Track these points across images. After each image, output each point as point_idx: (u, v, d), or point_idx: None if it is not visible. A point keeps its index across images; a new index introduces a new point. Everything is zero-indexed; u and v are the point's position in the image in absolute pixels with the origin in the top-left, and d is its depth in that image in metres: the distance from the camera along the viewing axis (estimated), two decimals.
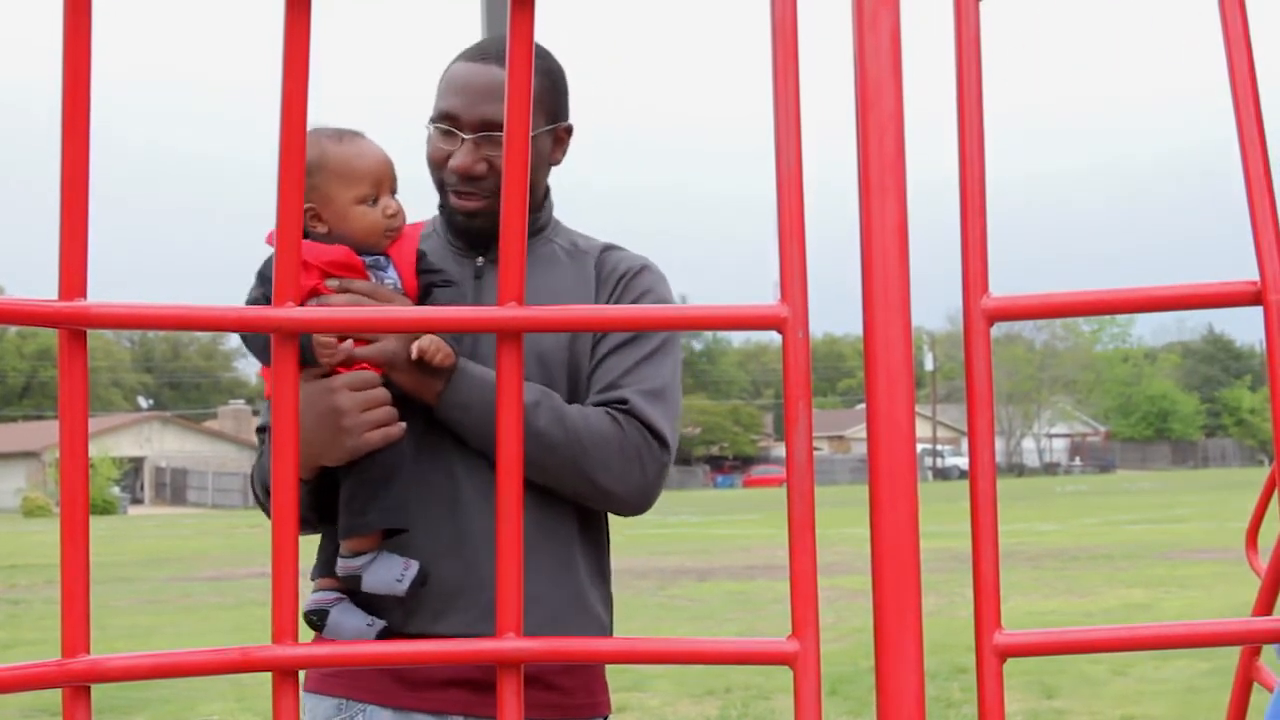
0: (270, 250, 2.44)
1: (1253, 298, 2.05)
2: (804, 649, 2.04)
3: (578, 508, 2.69)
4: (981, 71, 2.07)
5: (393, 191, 2.55)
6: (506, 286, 2.07)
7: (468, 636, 2.46)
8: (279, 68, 1.96)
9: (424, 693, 2.64)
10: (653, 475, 2.65)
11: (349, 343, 2.50)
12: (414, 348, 2.50)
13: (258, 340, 2.43)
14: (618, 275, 2.78)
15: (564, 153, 2.81)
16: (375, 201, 2.52)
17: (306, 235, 2.51)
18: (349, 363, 2.53)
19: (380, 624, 2.56)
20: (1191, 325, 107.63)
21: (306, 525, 2.63)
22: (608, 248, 2.85)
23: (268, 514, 2.69)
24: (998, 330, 2.31)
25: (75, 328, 2.00)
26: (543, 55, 2.69)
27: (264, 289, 2.46)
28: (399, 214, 2.54)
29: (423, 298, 2.59)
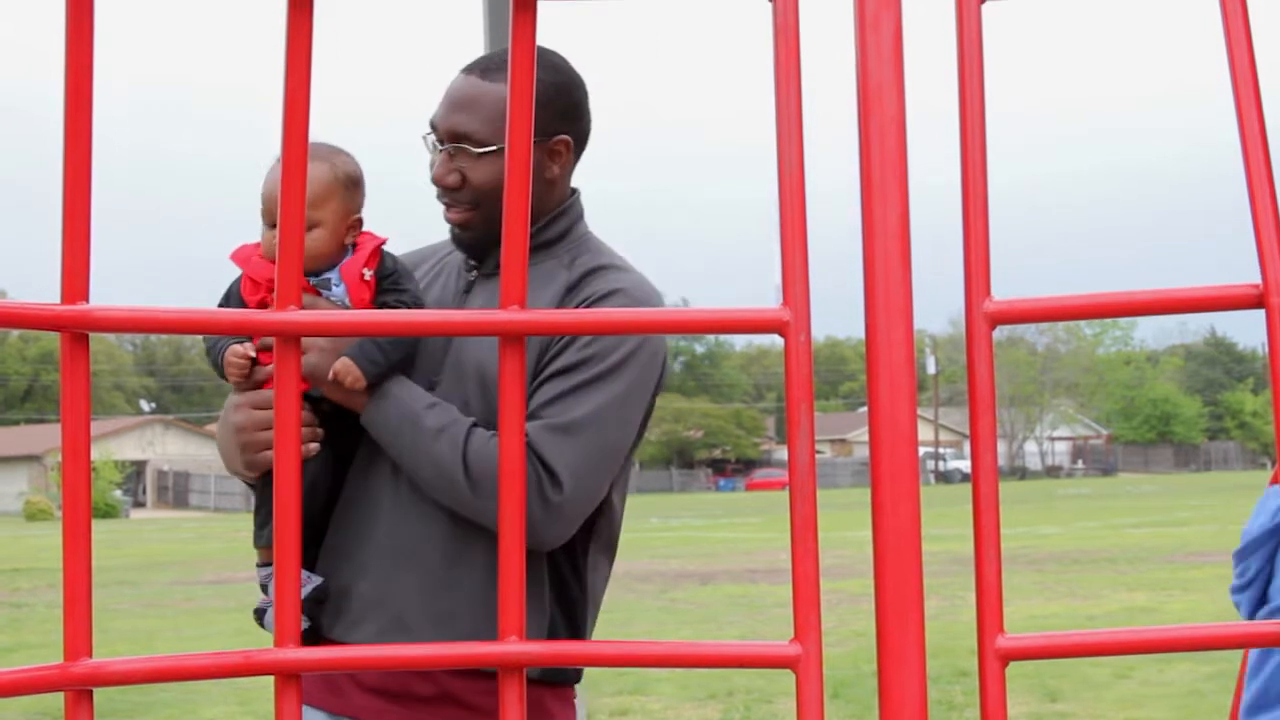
0: (237, 271, 2.47)
1: (1255, 301, 2.05)
2: (806, 652, 2.04)
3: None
4: (984, 74, 2.07)
5: (311, 224, 2.54)
6: (508, 291, 2.07)
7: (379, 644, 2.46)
8: (281, 71, 1.96)
9: (347, 699, 2.66)
10: (539, 514, 2.54)
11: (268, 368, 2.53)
12: (331, 370, 2.51)
13: (214, 362, 2.50)
14: (580, 297, 2.69)
15: (564, 167, 2.74)
16: (272, 226, 2.53)
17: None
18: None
19: (304, 624, 2.58)
20: (1194, 328, 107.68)
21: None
22: (599, 268, 2.74)
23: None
24: (1000, 333, 2.31)
25: (77, 331, 2.01)
26: (542, 66, 2.59)
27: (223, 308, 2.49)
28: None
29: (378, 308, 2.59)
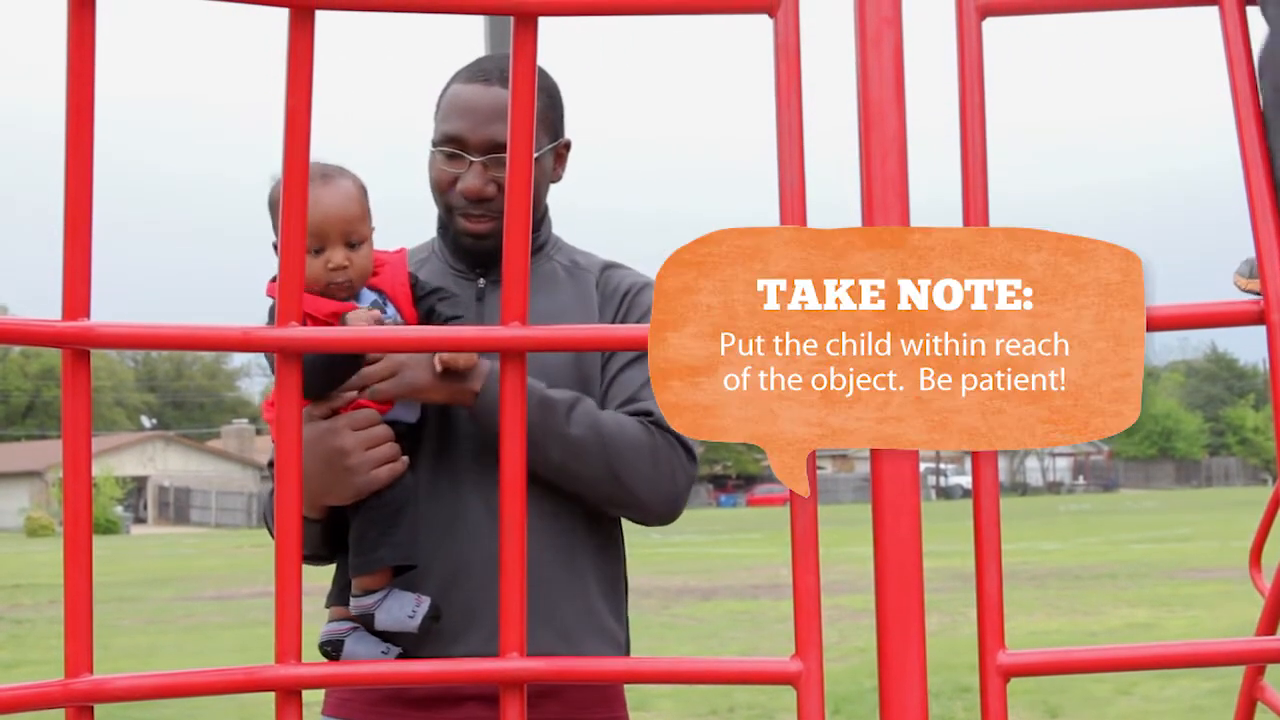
0: (270, 302, 2.44)
1: (1256, 317, 2.05)
2: (807, 668, 2.04)
3: (590, 525, 2.69)
4: (984, 92, 2.07)
5: (349, 243, 2.52)
6: (509, 306, 2.08)
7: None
8: (283, 89, 1.97)
9: (437, 712, 2.63)
10: (682, 485, 2.65)
11: (375, 385, 2.52)
12: (436, 361, 2.50)
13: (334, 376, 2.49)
14: (621, 292, 2.78)
15: (564, 168, 2.81)
16: (320, 252, 2.50)
17: None
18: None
19: (395, 650, 2.56)
20: (1195, 344, 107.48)
21: (319, 560, 2.66)
22: (609, 266, 2.84)
23: None
24: None
25: (79, 347, 2.01)
26: (540, 73, 2.68)
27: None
28: (346, 268, 2.51)
29: (426, 320, 2.59)
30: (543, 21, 1.97)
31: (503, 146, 2.60)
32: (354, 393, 2.52)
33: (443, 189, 2.70)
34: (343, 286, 2.52)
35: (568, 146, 2.79)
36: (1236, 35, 2.06)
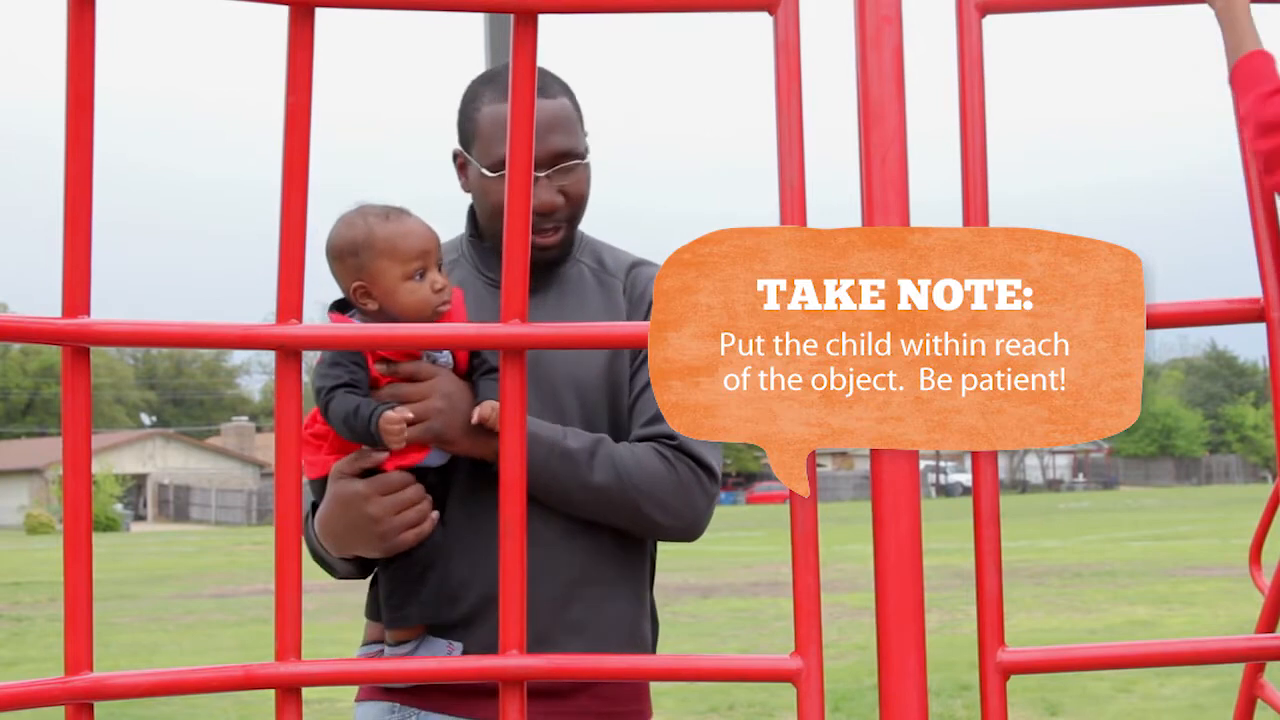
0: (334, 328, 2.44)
1: (1256, 315, 2.05)
2: (807, 666, 2.04)
3: (617, 536, 2.73)
4: (984, 90, 2.07)
5: (439, 266, 2.56)
6: (509, 305, 2.08)
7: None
8: (283, 87, 1.97)
9: (473, 701, 2.65)
10: (703, 508, 2.70)
11: (407, 430, 2.52)
12: (475, 415, 2.50)
13: (355, 429, 2.48)
14: (648, 300, 2.76)
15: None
16: (423, 276, 2.52)
17: (359, 311, 2.56)
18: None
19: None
20: (1194, 342, 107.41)
21: (355, 578, 2.74)
22: (636, 264, 2.84)
23: (327, 569, 2.75)
24: None
25: (78, 345, 2.01)
26: (561, 86, 2.71)
27: (345, 372, 2.49)
28: (446, 288, 2.55)
29: (471, 361, 2.59)
30: (542, 20, 1.97)
31: (565, 155, 2.65)
32: (384, 454, 2.54)
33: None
34: (446, 307, 2.55)
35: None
36: None
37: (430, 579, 2.56)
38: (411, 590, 2.56)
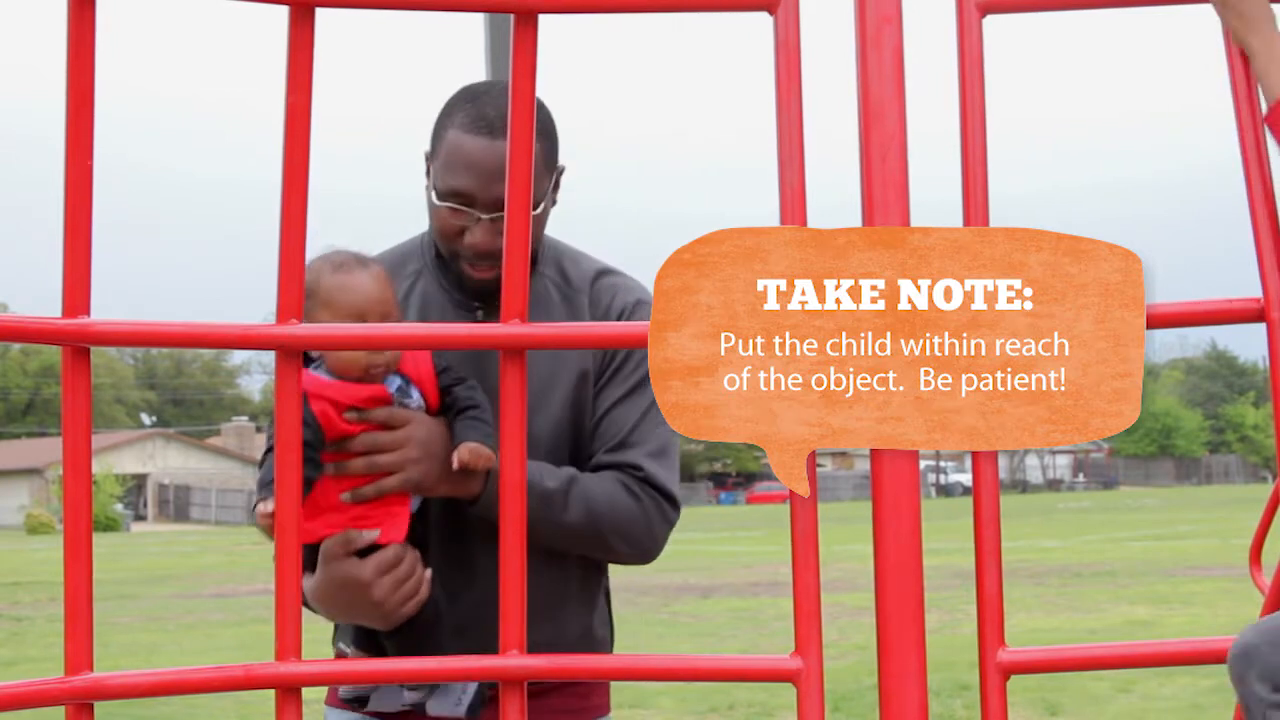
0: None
1: (1256, 314, 2.05)
2: (807, 666, 2.04)
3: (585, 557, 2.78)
4: (984, 90, 2.07)
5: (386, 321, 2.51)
6: (509, 305, 2.08)
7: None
8: (283, 88, 1.97)
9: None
10: (663, 538, 2.75)
11: (386, 481, 2.51)
12: (455, 460, 2.49)
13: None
14: (614, 315, 2.74)
15: (559, 190, 2.77)
16: None
17: (308, 360, 2.51)
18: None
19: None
20: (1194, 342, 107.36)
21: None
22: (599, 275, 2.80)
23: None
24: None
25: (79, 345, 2.01)
26: (535, 115, 2.65)
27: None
28: (384, 353, 2.50)
29: (444, 400, 2.57)
30: (542, 20, 1.97)
31: None
32: (374, 533, 2.52)
33: (448, 238, 2.65)
34: (382, 370, 2.52)
35: (562, 172, 2.75)
36: None
37: (431, 641, 2.55)
38: (415, 653, 2.57)
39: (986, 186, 2.01)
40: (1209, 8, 2.07)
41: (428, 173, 2.71)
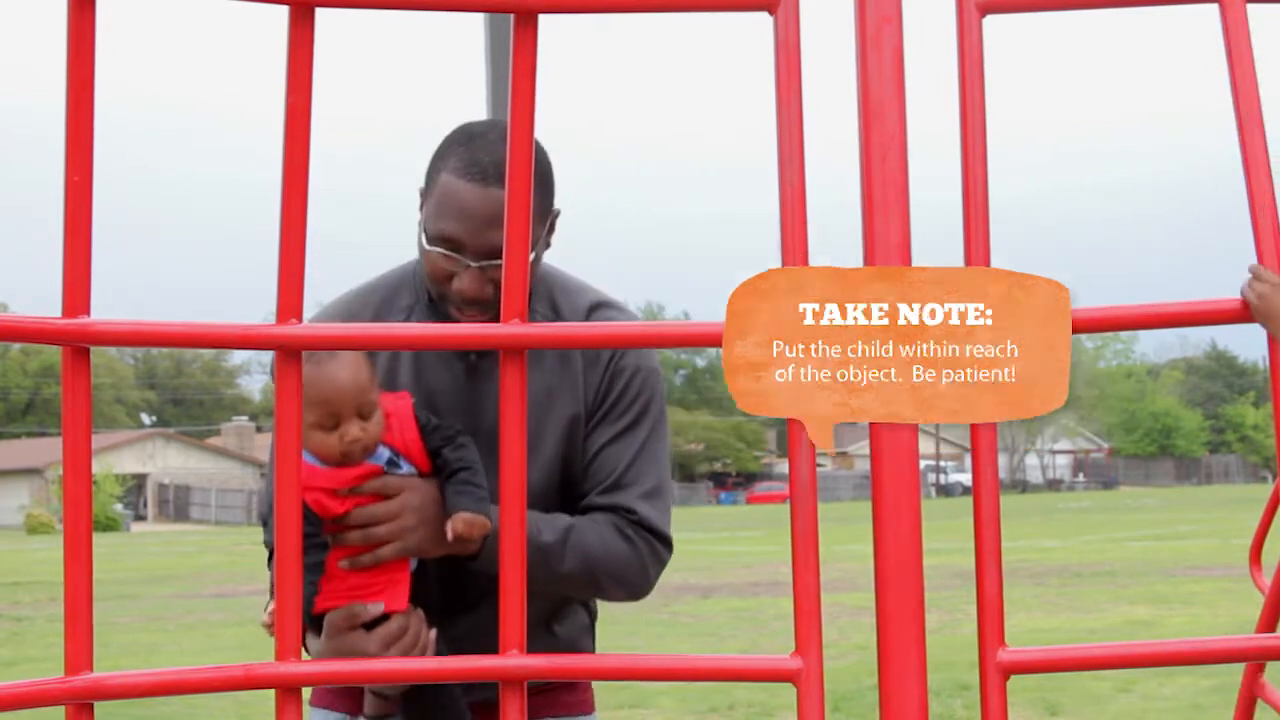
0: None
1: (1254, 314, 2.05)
2: (807, 666, 2.04)
3: None
4: (984, 90, 2.07)
5: (362, 415, 2.49)
6: (509, 305, 2.08)
7: None
8: (283, 89, 1.97)
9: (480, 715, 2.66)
10: (654, 578, 2.81)
11: (384, 550, 2.52)
12: (449, 531, 2.47)
13: None
14: (604, 359, 2.73)
15: (554, 233, 2.74)
16: (335, 427, 2.48)
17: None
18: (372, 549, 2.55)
19: None
20: (1194, 341, 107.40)
21: None
22: (593, 309, 2.76)
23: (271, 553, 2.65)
24: None
25: (79, 345, 2.01)
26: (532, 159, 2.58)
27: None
28: (360, 439, 2.49)
29: (434, 462, 2.57)
30: (543, 20, 1.97)
31: (500, 251, 2.55)
32: (379, 607, 2.52)
33: (437, 281, 2.62)
34: (359, 449, 2.51)
35: (558, 214, 2.71)
36: (1237, 32, 2.06)
37: (439, 705, 2.59)
38: (432, 710, 2.59)
39: (986, 186, 2.01)
40: (1209, 8, 2.07)
41: (421, 208, 2.67)
